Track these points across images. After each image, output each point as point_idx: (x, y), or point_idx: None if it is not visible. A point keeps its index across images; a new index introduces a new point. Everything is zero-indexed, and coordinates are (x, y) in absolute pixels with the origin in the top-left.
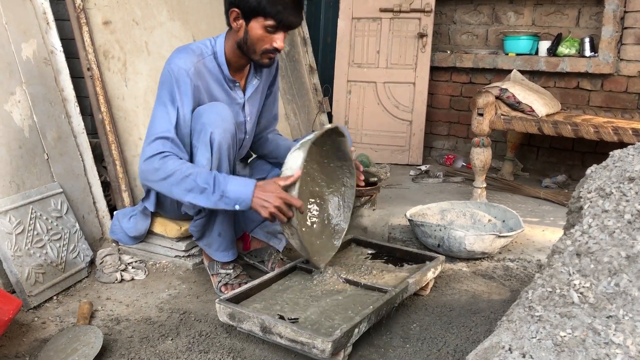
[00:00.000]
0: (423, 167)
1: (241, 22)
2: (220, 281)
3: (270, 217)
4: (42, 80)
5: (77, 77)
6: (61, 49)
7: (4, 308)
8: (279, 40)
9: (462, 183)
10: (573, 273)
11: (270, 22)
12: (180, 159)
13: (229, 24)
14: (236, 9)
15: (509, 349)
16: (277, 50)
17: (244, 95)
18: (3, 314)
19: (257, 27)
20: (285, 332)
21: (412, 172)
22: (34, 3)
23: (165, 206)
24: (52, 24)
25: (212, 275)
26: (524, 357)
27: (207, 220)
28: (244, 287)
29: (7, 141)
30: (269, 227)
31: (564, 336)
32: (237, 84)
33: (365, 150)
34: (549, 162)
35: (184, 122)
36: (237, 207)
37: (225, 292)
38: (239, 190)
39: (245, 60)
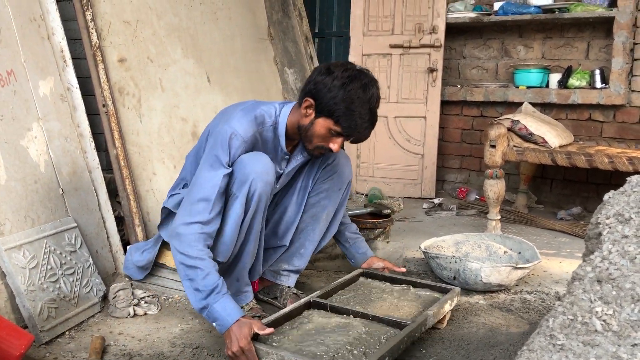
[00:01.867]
0: (436, 200)
1: (311, 112)
2: None
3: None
4: (59, 117)
5: (92, 114)
6: (77, 86)
7: (16, 343)
8: (337, 144)
9: (476, 216)
10: (595, 300)
11: (337, 129)
12: (209, 240)
13: (299, 103)
14: (311, 100)
15: None
16: (331, 151)
17: (287, 167)
18: (15, 349)
19: (323, 125)
20: None
21: (425, 205)
22: (52, 42)
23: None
24: (69, 62)
25: None
26: None
27: (229, 265)
28: (269, 318)
29: (23, 176)
30: (275, 266)
31: None
32: (287, 156)
33: (378, 183)
34: (563, 194)
35: (225, 187)
36: (214, 325)
37: None
38: (222, 315)
39: (299, 139)
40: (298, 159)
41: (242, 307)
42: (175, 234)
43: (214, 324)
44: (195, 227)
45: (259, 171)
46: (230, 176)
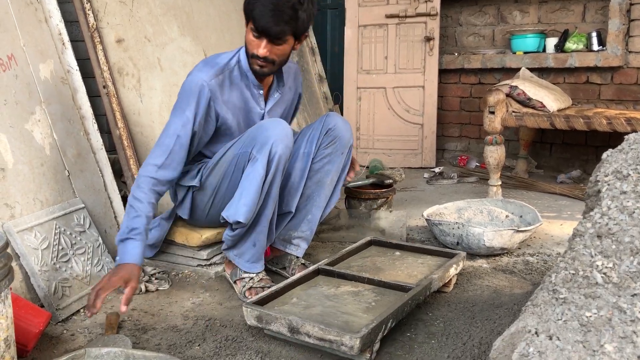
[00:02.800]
0: (437, 169)
1: (246, 25)
2: (244, 286)
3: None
4: (60, 99)
5: (92, 96)
6: (77, 68)
7: (35, 321)
8: (260, 47)
9: (477, 183)
10: (595, 254)
11: (252, 25)
12: (157, 180)
13: None
14: (244, 12)
15: (536, 333)
16: (258, 57)
17: (265, 106)
18: (34, 326)
19: (248, 30)
20: (313, 331)
21: (426, 175)
22: (50, 25)
23: (198, 215)
24: (68, 44)
25: (235, 281)
26: (550, 339)
27: (247, 229)
28: (269, 290)
29: (29, 159)
30: (284, 234)
31: (590, 316)
32: (261, 91)
33: (378, 155)
34: (562, 158)
35: (189, 136)
36: (116, 259)
37: (250, 296)
38: (120, 254)
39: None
40: (275, 97)
41: (251, 278)
42: (138, 176)
43: (116, 259)
44: (149, 169)
45: (280, 134)
46: (198, 128)
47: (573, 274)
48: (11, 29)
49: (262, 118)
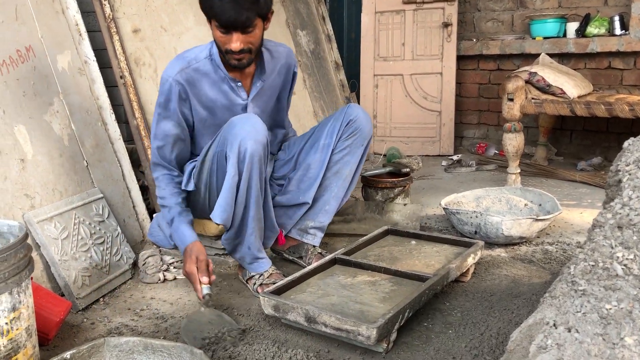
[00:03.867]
0: (455, 157)
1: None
2: (255, 283)
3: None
4: (78, 90)
5: (110, 86)
6: (94, 58)
7: (55, 310)
8: (231, 42)
9: (496, 170)
10: (615, 246)
11: (215, 23)
12: (172, 171)
13: None
14: (203, 11)
15: (554, 325)
16: (233, 51)
17: (248, 96)
18: (55, 315)
19: (213, 28)
20: (330, 321)
21: (444, 163)
22: (67, 16)
23: (200, 213)
24: (85, 35)
25: (247, 280)
26: (569, 331)
27: (236, 233)
28: (286, 280)
29: (48, 150)
30: (301, 224)
31: (610, 309)
32: (239, 83)
33: (395, 143)
34: (583, 145)
35: (170, 130)
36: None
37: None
38: (178, 242)
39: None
40: (257, 86)
41: (261, 275)
42: (152, 170)
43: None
44: (160, 170)
45: (248, 130)
46: (177, 121)
47: (592, 265)
48: (29, 20)
49: (245, 109)
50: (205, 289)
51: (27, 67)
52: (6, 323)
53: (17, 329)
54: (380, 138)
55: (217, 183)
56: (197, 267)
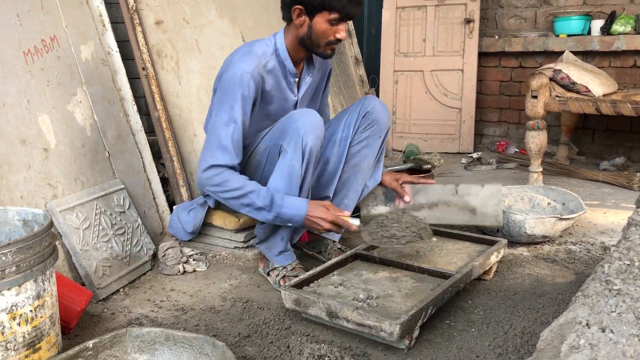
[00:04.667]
0: (475, 155)
1: (304, 18)
2: (277, 275)
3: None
4: (101, 81)
5: (132, 78)
6: (117, 49)
7: (77, 299)
8: (342, 31)
9: (516, 169)
10: None
11: (334, 16)
12: (239, 172)
13: (288, 19)
14: (299, 6)
15: (587, 324)
16: (339, 40)
17: (298, 93)
18: (76, 304)
19: (321, 21)
20: (352, 316)
21: (463, 160)
22: (90, 6)
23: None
24: (108, 26)
25: (269, 272)
26: (603, 331)
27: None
28: (307, 274)
29: (71, 140)
30: None
31: None
32: (296, 79)
33: (415, 140)
34: (606, 144)
35: (243, 127)
36: (289, 225)
37: (284, 284)
38: (293, 212)
39: (303, 54)
40: (307, 81)
41: (285, 267)
42: (204, 179)
43: (289, 225)
44: (218, 170)
45: (310, 125)
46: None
47: (628, 264)
48: (53, 10)
49: (296, 105)
50: (355, 221)
51: (51, 57)
52: (30, 311)
53: (41, 317)
54: (399, 134)
55: (262, 176)
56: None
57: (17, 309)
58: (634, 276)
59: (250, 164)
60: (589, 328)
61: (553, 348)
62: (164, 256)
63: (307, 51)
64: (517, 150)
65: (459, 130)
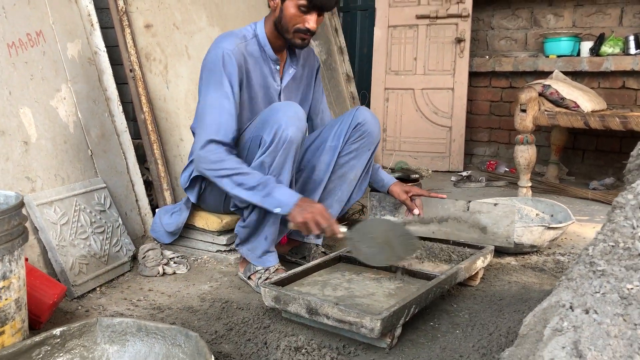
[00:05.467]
0: (464, 173)
1: (277, 1)
2: (259, 277)
3: (304, 228)
4: (87, 79)
5: (119, 84)
6: (104, 49)
7: (49, 292)
8: (311, 21)
9: (506, 187)
10: (637, 226)
11: (302, 2)
12: (234, 151)
13: (268, 5)
14: None
15: (570, 307)
16: (309, 31)
17: (281, 83)
18: (48, 297)
19: (291, 5)
20: (332, 313)
21: (453, 178)
22: (79, 5)
23: (207, 199)
24: (96, 26)
25: (250, 276)
26: (587, 313)
27: (257, 220)
28: (288, 273)
29: (53, 136)
30: None
31: (631, 288)
32: (277, 67)
33: (405, 157)
34: (595, 165)
35: (234, 103)
36: (277, 210)
37: None
38: (284, 197)
39: (282, 41)
40: (290, 73)
41: (267, 269)
42: (201, 157)
43: (276, 210)
44: (215, 145)
45: (290, 116)
46: (239, 100)
47: (613, 246)
48: (41, 6)
49: (279, 95)
50: (342, 228)
51: (36, 52)
52: None
53: (6, 299)
54: (389, 152)
55: None
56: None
57: None
58: (619, 257)
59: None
60: (573, 311)
61: (536, 333)
62: (143, 257)
63: (282, 38)
64: (507, 169)
65: (449, 148)
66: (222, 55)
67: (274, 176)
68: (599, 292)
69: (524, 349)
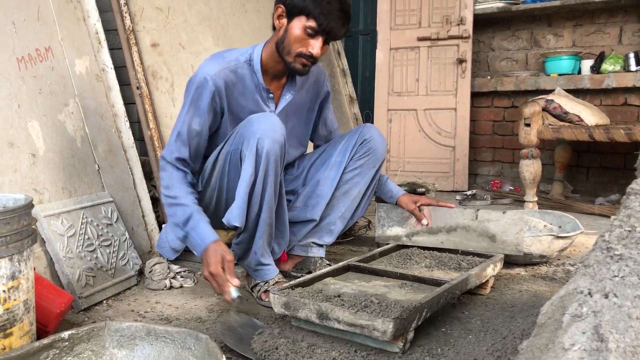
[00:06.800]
0: (469, 192)
1: (284, 20)
2: (259, 290)
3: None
4: (94, 95)
5: (126, 103)
6: (112, 67)
7: (56, 301)
8: (315, 46)
9: (511, 204)
10: None
11: (311, 24)
12: (191, 173)
13: (273, 26)
14: (282, 6)
15: (589, 293)
16: (312, 56)
17: (276, 108)
18: (55, 306)
19: (297, 26)
20: (344, 316)
21: (458, 197)
22: (87, 23)
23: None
24: (104, 43)
25: (252, 288)
26: (606, 297)
27: (249, 236)
28: (297, 280)
29: (61, 149)
30: (304, 241)
31: None
32: (271, 94)
33: (409, 177)
34: (600, 182)
35: (197, 129)
36: (195, 252)
37: (266, 299)
38: (197, 241)
39: (281, 65)
40: (287, 98)
41: (266, 282)
42: (160, 177)
43: (194, 252)
44: (171, 168)
45: (266, 129)
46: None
47: (629, 230)
48: (50, 23)
49: None
50: (234, 292)
51: (44, 67)
52: (4, 291)
53: (15, 300)
54: (393, 172)
55: (228, 185)
56: (222, 268)
57: None
58: (636, 241)
59: (214, 171)
60: (592, 296)
61: (554, 321)
62: (150, 272)
63: (282, 62)
64: (511, 188)
65: (453, 168)
66: (199, 79)
67: (260, 192)
68: (617, 276)
69: (542, 337)
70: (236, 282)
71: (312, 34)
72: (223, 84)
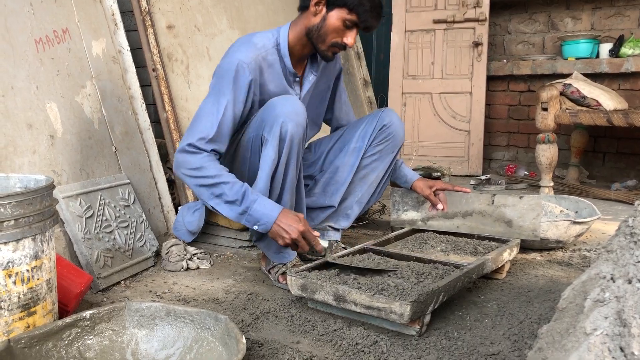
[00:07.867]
0: (483, 177)
1: (322, 8)
2: (277, 272)
3: (285, 246)
4: (110, 77)
5: (142, 86)
6: (128, 48)
7: (76, 281)
8: (350, 37)
9: (526, 189)
10: None
11: (351, 17)
12: (219, 160)
13: (304, 7)
14: None
15: (611, 278)
16: (346, 46)
17: (301, 91)
18: (75, 286)
19: (336, 17)
20: (361, 299)
21: (472, 182)
22: (104, 5)
23: None
24: (120, 25)
25: (269, 270)
26: (629, 282)
27: None
28: (314, 263)
29: (78, 131)
30: (320, 225)
31: None
32: (297, 78)
33: (423, 162)
34: (616, 167)
35: (232, 117)
36: (255, 228)
37: (283, 282)
38: (264, 212)
39: (308, 49)
40: (310, 80)
41: (284, 265)
42: (180, 161)
43: (255, 227)
44: (200, 154)
45: (289, 112)
46: (247, 114)
47: None
48: (67, 4)
49: None
50: (323, 242)
51: (62, 48)
52: (27, 270)
53: (38, 279)
54: (407, 156)
55: (249, 171)
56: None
57: (13, 266)
58: None
59: (237, 158)
60: (614, 282)
61: (576, 306)
62: (167, 253)
63: (312, 46)
64: (526, 173)
65: (468, 152)
66: (235, 67)
67: (282, 175)
68: None
69: (563, 322)
70: (317, 233)
71: (350, 26)
72: (258, 71)
